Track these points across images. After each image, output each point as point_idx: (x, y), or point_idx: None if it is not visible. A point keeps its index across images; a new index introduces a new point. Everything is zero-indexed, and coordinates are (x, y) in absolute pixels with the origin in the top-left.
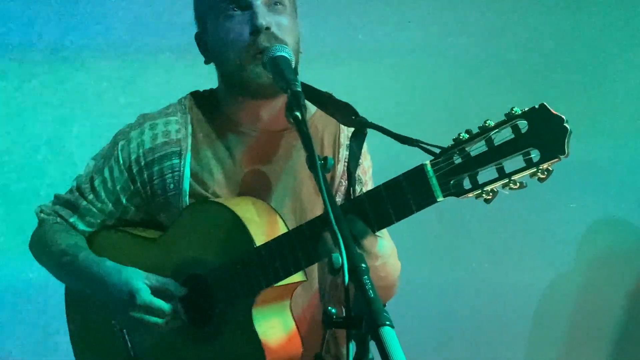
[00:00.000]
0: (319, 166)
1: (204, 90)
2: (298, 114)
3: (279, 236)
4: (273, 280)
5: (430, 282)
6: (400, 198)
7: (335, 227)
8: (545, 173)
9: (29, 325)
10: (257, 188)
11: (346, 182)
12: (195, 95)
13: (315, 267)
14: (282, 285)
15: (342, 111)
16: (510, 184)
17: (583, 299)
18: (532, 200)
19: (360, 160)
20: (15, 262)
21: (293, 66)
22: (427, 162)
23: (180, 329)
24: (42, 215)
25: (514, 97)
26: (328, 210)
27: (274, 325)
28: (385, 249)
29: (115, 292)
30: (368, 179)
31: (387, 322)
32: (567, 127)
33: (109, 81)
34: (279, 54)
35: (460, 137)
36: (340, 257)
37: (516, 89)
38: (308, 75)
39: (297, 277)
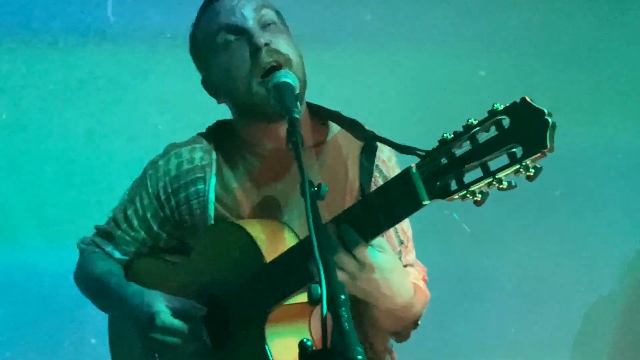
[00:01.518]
0: (308, 193)
1: (228, 120)
2: (295, 139)
3: (284, 252)
4: (281, 297)
5: (468, 298)
6: (389, 203)
7: (317, 256)
8: (533, 170)
9: None
10: (273, 205)
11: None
12: (220, 124)
13: None
14: (296, 303)
15: (351, 127)
16: (496, 183)
17: (627, 320)
18: (577, 219)
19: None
20: None
21: (297, 92)
22: (413, 165)
23: (204, 350)
24: (82, 245)
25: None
26: (312, 239)
27: (290, 346)
28: (385, 262)
29: (138, 314)
30: (406, 240)
31: (359, 357)
32: (548, 120)
33: None
34: (282, 80)
35: (445, 137)
36: (320, 288)
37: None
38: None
39: None
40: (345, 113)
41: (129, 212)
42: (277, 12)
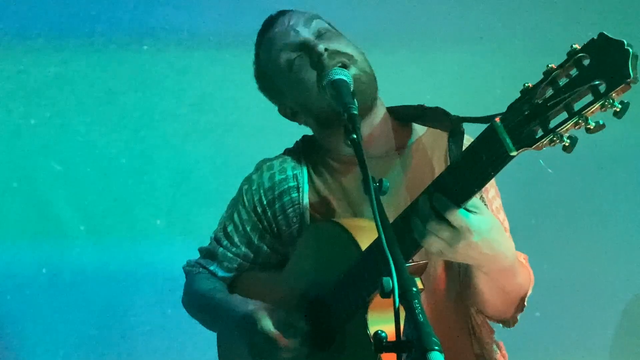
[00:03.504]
0: (372, 189)
1: (311, 135)
2: (354, 136)
3: (375, 239)
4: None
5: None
6: (477, 162)
7: (387, 250)
8: (619, 106)
9: None
10: (362, 205)
11: None
12: (305, 138)
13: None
14: None
15: (436, 117)
16: (583, 122)
17: None
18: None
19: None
20: None
21: (352, 88)
22: (497, 118)
23: (309, 355)
24: (187, 268)
25: None
26: (380, 233)
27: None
28: (481, 223)
29: (242, 324)
30: (494, 210)
31: (436, 347)
32: (628, 50)
33: None
34: (336, 77)
35: (526, 87)
36: (391, 281)
37: None
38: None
39: None
40: None
41: (229, 228)
42: (328, 22)
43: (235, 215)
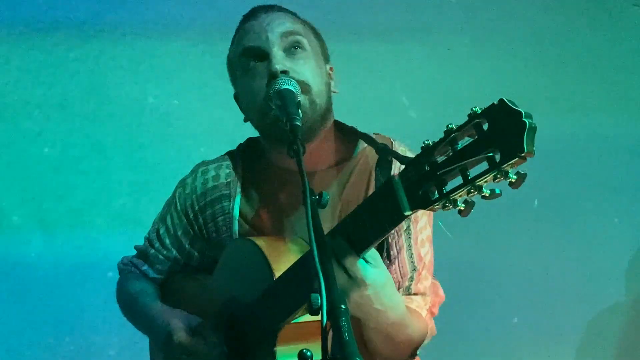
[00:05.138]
0: (309, 202)
1: (258, 137)
2: (296, 147)
3: (289, 267)
4: (287, 314)
5: (463, 300)
6: (374, 215)
7: (318, 266)
8: (514, 177)
9: None
10: (294, 225)
11: None
12: (250, 141)
13: None
14: (307, 322)
15: (368, 142)
16: (476, 191)
17: (632, 327)
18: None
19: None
20: None
21: (298, 99)
22: (396, 173)
23: None
24: (120, 266)
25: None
26: (312, 248)
27: None
28: (376, 276)
29: (159, 333)
30: (419, 242)
31: None
32: (525, 122)
33: None
34: (284, 87)
35: (427, 144)
36: (320, 297)
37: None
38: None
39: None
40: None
41: (161, 231)
42: (316, 35)
43: (168, 218)
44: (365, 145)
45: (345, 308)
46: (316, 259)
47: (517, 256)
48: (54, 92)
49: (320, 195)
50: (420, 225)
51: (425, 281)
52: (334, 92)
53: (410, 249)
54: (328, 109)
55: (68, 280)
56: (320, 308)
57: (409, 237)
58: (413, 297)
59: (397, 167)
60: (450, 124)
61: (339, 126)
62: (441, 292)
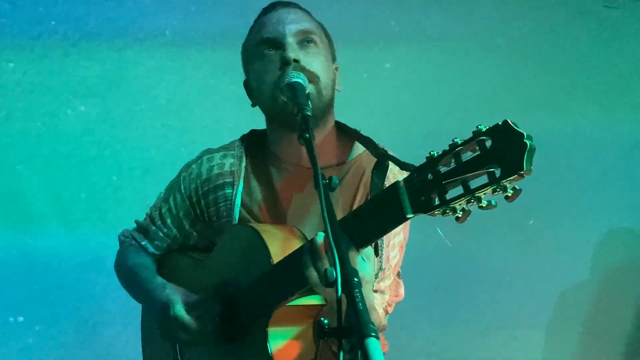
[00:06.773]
0: (321, 184)
1: (263, 129)
2: (307, 136)
3: (289, 254)
4: (283, 298)
5: (445, 282)
6: (377, 215)
7: (332, 242)
8: (511, 192)
9: None
10: (294, 215)
11: None
12: (254, 133)
13: None
14: (299, 305)
15: (368, 145)
16: (475, 202)
17: (597, 307)
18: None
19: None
20: None
21: (307, 91)
22: (401, 179)
23: (217, 345)
24: (121, 237)
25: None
26: (326, 226)
27: (291, 346)
28: (366, 273)
29: (157, 305)
30: (391, 246)
31: (373, 334)
32: (526, 144)
33: None
34: (294, 80)
35: (432, 155)
36: (335, 271)
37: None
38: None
39: (314, 300)
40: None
41: (163, 210)
42: (326, 35)
43: (171, 199)
44: (361, 151)
45: (358, 280)
46: (330, 235)
47: (488, 242)
48: None
49: (330, 179)
50: (395, 231)
51: (388, 280)
52: (337, 90)
53: (382, 250)
54: (331, 104)
55: (87, 275)
56: (336, 281)
57: (383, 239)
58: (376, 295)
59: (392, 173)
60: (456, 138)
61: (340, 127)
62: (402, 291)
